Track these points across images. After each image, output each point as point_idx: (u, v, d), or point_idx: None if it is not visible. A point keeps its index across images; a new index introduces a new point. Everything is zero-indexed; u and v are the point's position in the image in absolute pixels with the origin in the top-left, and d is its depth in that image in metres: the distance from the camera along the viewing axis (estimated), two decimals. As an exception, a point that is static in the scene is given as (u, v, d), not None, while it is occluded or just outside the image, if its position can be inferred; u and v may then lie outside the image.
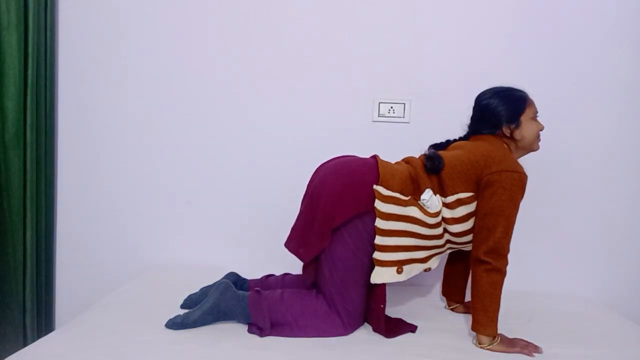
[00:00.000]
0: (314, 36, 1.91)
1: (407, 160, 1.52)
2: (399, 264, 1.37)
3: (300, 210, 1.49)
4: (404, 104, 1.91)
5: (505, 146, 1.46)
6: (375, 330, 1.44)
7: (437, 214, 1.39)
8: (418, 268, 1.42)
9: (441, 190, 1.41)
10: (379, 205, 1.36)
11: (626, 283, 1.95)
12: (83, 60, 1.96)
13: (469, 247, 1.51)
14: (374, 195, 1.37)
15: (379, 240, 1.36)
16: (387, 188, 1.37)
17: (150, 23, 1.94)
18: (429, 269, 1.46)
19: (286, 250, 1.50)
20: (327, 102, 1.93)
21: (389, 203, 1.36)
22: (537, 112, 1.50)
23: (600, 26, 1.86)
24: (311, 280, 1.48)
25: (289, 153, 1.95)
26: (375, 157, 1.50)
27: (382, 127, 1.92)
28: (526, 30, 1.87)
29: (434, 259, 1.48)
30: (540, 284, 1.94)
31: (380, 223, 1.36)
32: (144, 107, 1.97)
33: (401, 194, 1.38)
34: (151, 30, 1.94)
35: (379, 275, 1.37)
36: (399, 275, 1.37)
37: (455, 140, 1.58)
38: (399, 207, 1.36)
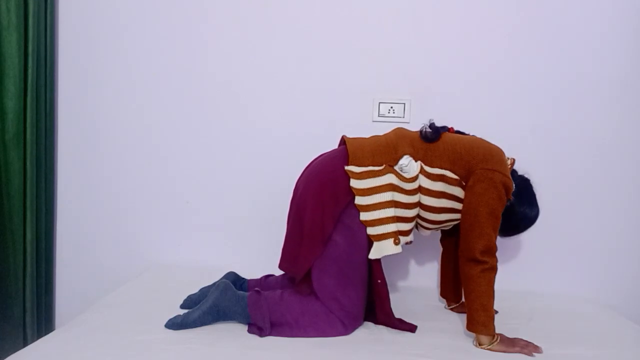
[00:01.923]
0: (313, 36, 1.91)
1: (395, 130, 1.52)
2: (395, 236, 1.37)
3: (287, 229, 1.49)
4: (404, 104, 1.91)
5: (508, 164, 1.46)
6: (380, 318, 1.44)
7: (413, 179, 1.39)
8: (403, 240, 1.43)
9: (429, 159, 1.41)
10: (355, 183, 1.37)
11: (626, 283, 1.95)
12: (83, 60, 1.96)
13: (426, 230, 1.54)
14: (349, 177, 1.38)
15: (364, 216, 1.37)
16: (359, 165, 1.39)
17: (150, 23, 1.93)
18: (411, 242, 1.47)
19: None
20: (327, 102, 1.93)
21: (365, 178, 1.37)
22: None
23: (600, 26, 1.85)
24: (307, 291, 1.44)
25: (289, 153, 1.95)
26: (343, 137, 1.53)
27: (382, 127, 1.90)
28: (526, 30, 1.87)
29: (411, 233, 1.48)
30: (540, 284, 1.94)
31: (361, 200, 1.36)
32: (143, 107, 1.97)
33: (373, 165, 1.39)
34: (151, 30, 1.94)
35: (378, 250, 1.37)
36: (397, 247, 1.37)
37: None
38: (376, 179, 1.38)
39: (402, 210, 1.40)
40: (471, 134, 1.59)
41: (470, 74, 1.89)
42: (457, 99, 1.90)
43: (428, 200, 1.42)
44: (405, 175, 1.39)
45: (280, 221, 1.80)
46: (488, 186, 1.35)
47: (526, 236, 1.93)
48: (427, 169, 1.41)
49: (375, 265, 1.41)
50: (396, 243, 1.37)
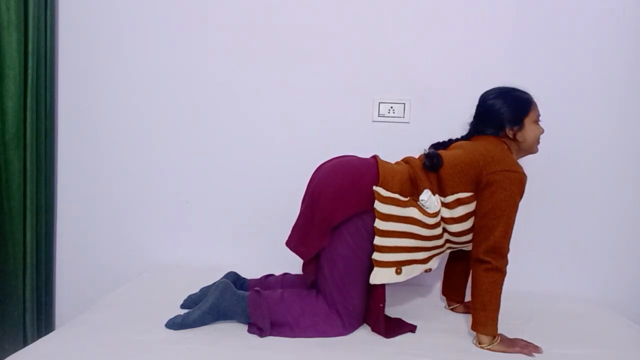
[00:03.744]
0: (314, 36, 1.91)
1: (407, 161, 1.52)
2: (398, 265, 1.37)
3: (300, 210, 1.49)
4: (404, 104, 1.91)
5: (506, 147, 1.47)
6: (374, 330, 1.44)
7: (436, 214, 1.39)
8: (419, 269, 1.42)
9: (440, 190, 1.41)
10: (378, 206, 1.36)
11: (626, 283, 1.95)
12: (83, 60, 1.96)
13: (469, 247, 1.52)
14: (373, 196, 1.37)
15: (378, 240, 1.36)
16: (387, 189, 1.37)
17: (150, 23, 1.93)
18: (430, 269, 1.46)
19: (286, 249, 1.50)
20: (327, 102, 1.93)
21: (389, 204, 1.36)
22: (539, 115, 1.51)
23: (600, 26, 1.85)
24: (311, 278, 1.48)
25: (289, 153, 1.95)
26: (375, 157, 1.51)
27: (382, 127, 1.92)
28: (526, 30, 1.87)
29: (434, 259, 1.48)
30: (540, 284, 1.94)
31: (379, 224, 1.36)
32: (143, 107, 1.97)
33: (400, 194, 1.38)
34: (151, 31, 1.94)
35: (377, 276, 1.37)
36: (398, 276, 1.37)
37: (457, 140, 1.58)
38: (399, 208, 1.37)
39: (420, 241, 1.40)
40: (447, 139, 1.58)
41: (470, 73, 1.89)
42: (457, 99, 1.89)
43: (456, 227, 1.41)
44: (428, 210, 1.38)
45: (281, 221, 1.80)
46: (495, 189, 1.35)
47: (526, 236, 1.93)
48: (442, 199, 1.41)
49: (379, 287, 1.40)
50: (397, 272, 1.37)
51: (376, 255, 1.37)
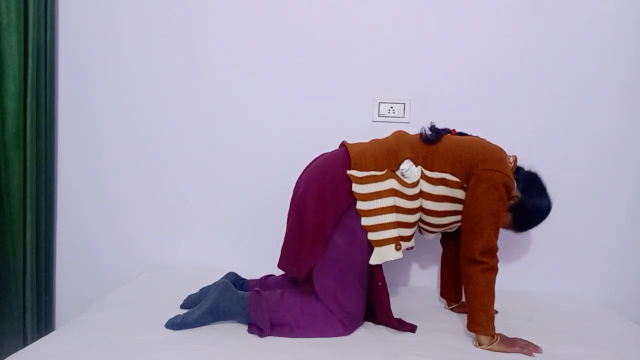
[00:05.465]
0: (314, 36, 1.91)
1: (395, 133, 1.52)
2: (396, 241, 1.37)
3: (287, 228, 1.48)
4: (404, 104, 1.91)
5: (511, 162, 1.47)
6: (379, 319, 1.44)
7: (414, 184, 1.39)
8: (404, 246, 1.42)
9: (430, 163, 1.41)
10: (357, 188, 1.37)
11: (626, 283, 1.95)
12: (83, 60, 1.96)
13: (430, 234, 1.55)
14: (351, 182, 1.38)
15: (365, 221, 1.36)
16: (361, 169, 1.39)
17: (151, 23, 1.93)
18: (412, 247, 1.47)
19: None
20: (327, 102, 1.93)
21: (366, 183, 1.37)
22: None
23: (600, 26, 1.86)
24: (309, 291, 1.45)
25: (290, 153, 1.95)
26: (343, 143, 1.52)
27: (382, 127, 1.91)
28: (526, 31, 1.87)
29: (413, 238, 1.48)
30: (540, 284, 1.94)
31: (362, 205, 1.36)
32: (144, 107, 1.97)
33: (376, 170, 1.39)
34: (151, 30, 1.94)
35: (378, 256, 1.36)
36: (398, 252, 1.36)
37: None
38: (377, 184, 1.37)
39: (404, 215, 1.40)
40: (474, 134, 1.59)
41: (470, 74, 1.89)
42: (457, 99, 1.90)
43: (430, 205, 1.42)
44: (407, 180, 1.39)
45: (281, 221, 1.80)
46: (489, 187, 1.35)
47: (526, 236, 1.93)
48: (428, 173, 1.40)
49: (376, 268, 1.40)
50: (397, 249, 1.36)
51: (371, 235, 1.36)
